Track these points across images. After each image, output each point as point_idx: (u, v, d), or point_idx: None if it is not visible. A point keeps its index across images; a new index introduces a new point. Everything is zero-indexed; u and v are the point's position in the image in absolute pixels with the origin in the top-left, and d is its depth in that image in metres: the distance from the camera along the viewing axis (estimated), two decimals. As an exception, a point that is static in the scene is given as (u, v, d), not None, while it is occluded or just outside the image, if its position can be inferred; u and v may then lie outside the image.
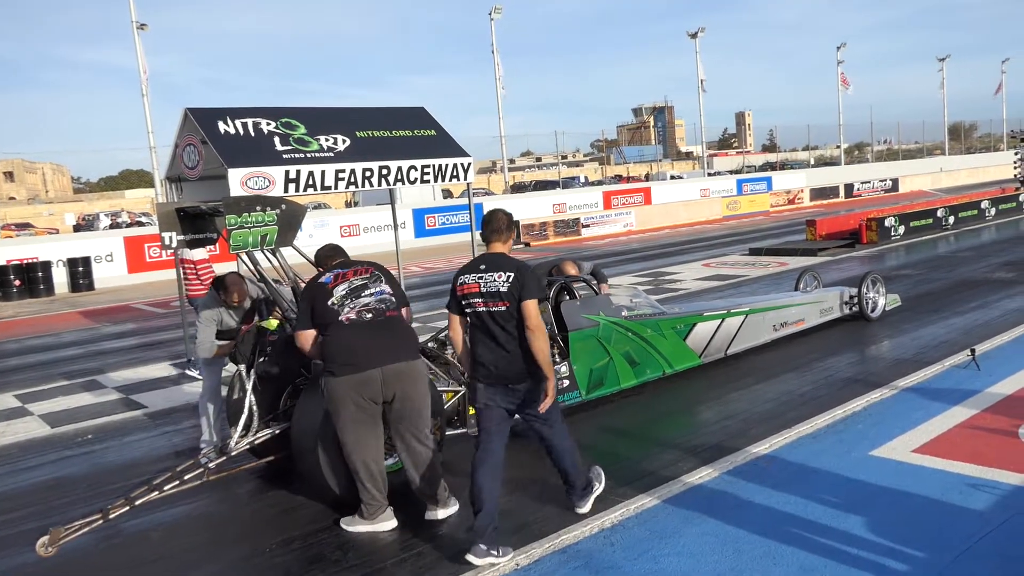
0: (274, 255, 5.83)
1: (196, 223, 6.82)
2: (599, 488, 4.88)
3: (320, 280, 4.80)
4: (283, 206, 5.59)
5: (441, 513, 4.86)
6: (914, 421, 5.92)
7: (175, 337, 11.86)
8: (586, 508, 4.78)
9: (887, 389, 6.79)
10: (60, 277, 20.77)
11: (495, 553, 4.25)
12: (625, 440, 6.20)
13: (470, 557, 4.23)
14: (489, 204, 30.51)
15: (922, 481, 4.85)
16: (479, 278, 4.46)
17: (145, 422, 7.72)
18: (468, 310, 4.50)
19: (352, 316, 4.64)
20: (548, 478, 5.44)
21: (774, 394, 6.99)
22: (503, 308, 4.39)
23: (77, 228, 39.79)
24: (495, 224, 4.59)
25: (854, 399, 6.56)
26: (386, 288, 4.81)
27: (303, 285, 5.81)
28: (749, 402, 6.83)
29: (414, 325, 5.40)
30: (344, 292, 4.70)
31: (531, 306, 4.36)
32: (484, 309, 4.43)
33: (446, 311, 4.70)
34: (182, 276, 9.51)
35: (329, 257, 5.13)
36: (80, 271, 20.72)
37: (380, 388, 4.58)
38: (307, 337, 4.79)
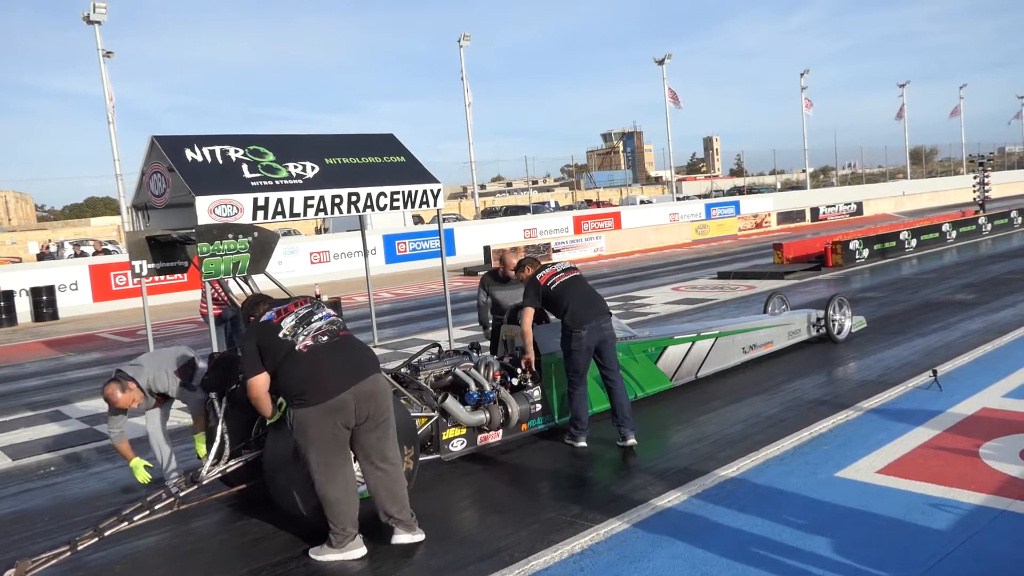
0: (246, 282, 5.81)
1: (167, 251, 6.79)
2: (633, 439, 6.38)
3: (263, 319, 4.71)
4: (255, 234, 5.59)
5: (408, 538, 4.79)
6: (878, 442, 6.00)
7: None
8: (631, 442, 6.36)
9: (852, 411, 6.88)
10: (23, 306, 20.41)
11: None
12: (595, 464, 6.22)
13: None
14: (460, 229, 30.59)
15: (886, 501, 4.91)
16: (552, 266, 6.75)
17: (109, 453, 7.58)
18: (553, 286, 6.53)
19: (309, 343, 4.58)
20: (517, 504, 5.45)
21: (742, 417, 7.06)
22: (576, 274, 6.69)
23: (41, 257, 39.12)
24: (536, 258, 7.20)
25: (820, 421, 6.65)
26: (331, 311, 4.81)
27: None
28: (718, 425, 6.89)
29: (382, 352, 5.38)
30: (293, 322, 4.63)
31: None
32: (567, 278, 6.59)
33: (525, 308, 6.60)
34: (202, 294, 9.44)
35: (257, 305, 5.02)
36: (44, 300, 20.37)
37: (353, 411, 4.55)
38: (260, 383, 4.63)
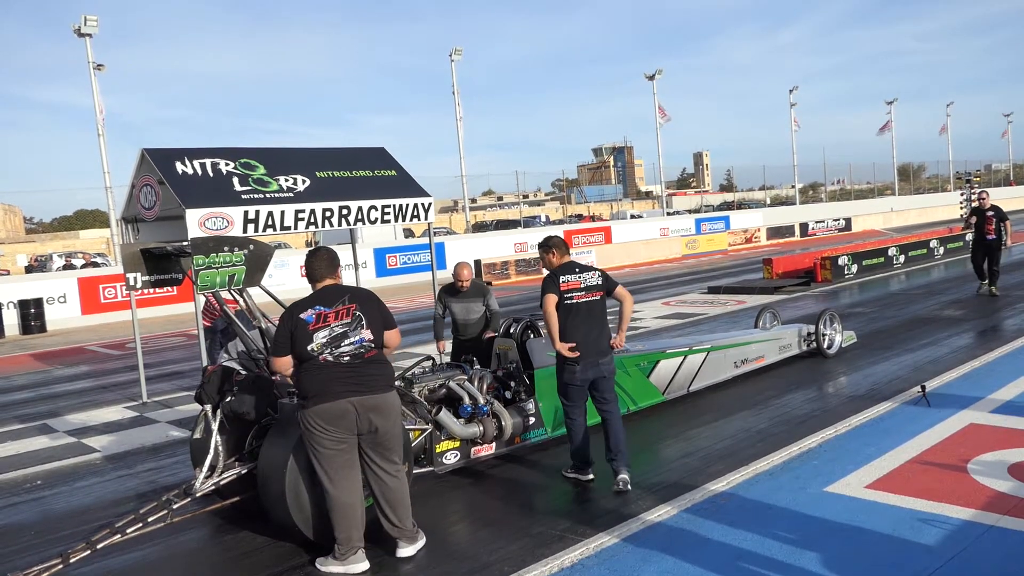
0: (241, 295, 5.80)
1: (161, 263, 6.78)
2: (627, 475, 5.77)
3: (301, 316, 4.71)
4: (251, 246, 5.58)
5: (411, 550, 4.86)
6: (867, 457, 6.02)
7: (130, 379, 11.65)
8: (626, 476, 5.74)
9: (841, 425, 6.91)
10: (11, 319, 20.30)
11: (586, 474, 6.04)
12: (583, 483, 6.20)
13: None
14: (451, 243, 30.55)
15: (875, 516, 4.93)
16: (579, 277, 5.89)
17: (98, 466, 7.54)
18: (567, 301, 5.81)
19: (330, 359, 4.67)
20: (507, 518, 5.44)
21: (732, 431, 7.07)
22: (598, 297, 5.90)
23: (29, 269, 38.94)
24: (563, 243, 6.12)
25: (809, 436, 6.67)
26: (366, 335, 4.75)
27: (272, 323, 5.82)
28: (708, 439, 6.90)
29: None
30: (325, 340, 4.66)
31: (621, 287, 6.03)
32: (585, 300, 5.84)
33: (546, 295, 5.83)
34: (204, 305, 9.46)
35: (319, 272, 4.87)
36: (32, 312, 20.27)
37: (355, 420, 4.63)
38: (285, 363, 4.79)
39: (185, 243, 5.92)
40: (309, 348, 4.65)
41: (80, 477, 7.23)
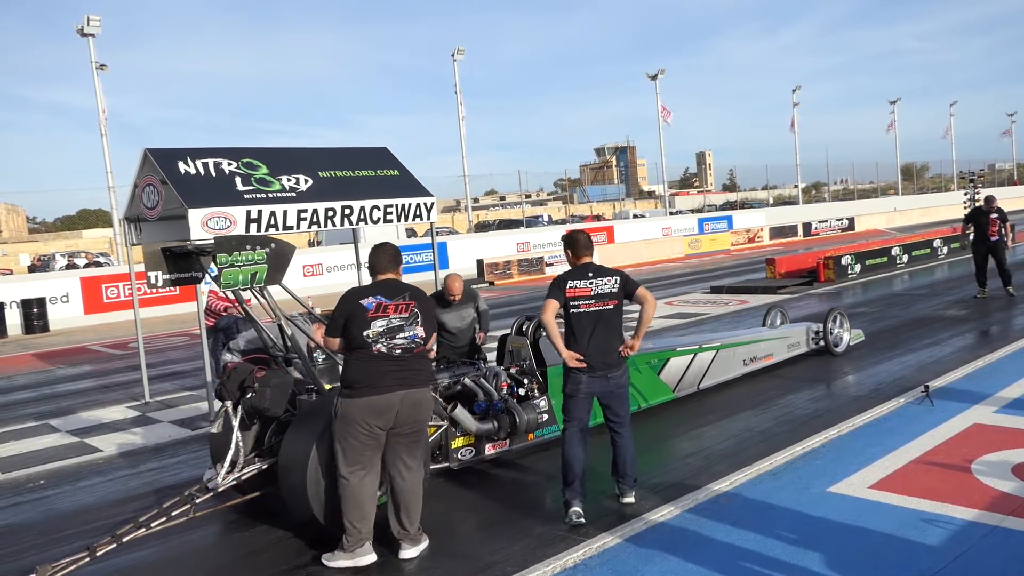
0: (261, 294, 5.82)
1: (181, 262, 6.81)
2: (631, 498, 5.49)
3: (361, 302, 4.80)
4: (272, 245, 5.61)
5: (414, 551, 4.89)
6: (871, 457, 6.01)
7: (133, 379, 11.65)
8: (628, 500, 5.46)
9: (845, 425, 6.89)
10: (13, 319, 20.30)
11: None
12: (590, 477, 6.18)
13: (574, 517, 5.17)
14: (453, 243, 30.53)
15: (879, 517, 4.92)
16: (590, 283, 5.35)
17: (100, 466, 7.55)
18: (573, 310, 5.31)
19: (383, 350, 4.75)
20: (510, 518, 5.43)
21: (736, 431, 7.06)
22: (611, 306, 5.36)
23: (32, 269, 38.99)
24: (584, 241, 5.54)
25: (813, 436, 6.65)
26: (419, 331, 4.87)
27: (290, 322, 5.85)
28: (711, 439, 6.89)
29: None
30: (382, 330, 4.75)
31: (642, 289, 5.44)
32: (595, 308, 5.32)
33: (547, 300, 5.34)
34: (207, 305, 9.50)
35: (382, 265, 4.96)
36: (34, 312, 20.27)
37: (395, 414, 4.71)
38: (333, 344, 4.94)
39: (207, 241, 5.94)
40: (365, 334, 4.72)
41: (83, 477, 7.24)
